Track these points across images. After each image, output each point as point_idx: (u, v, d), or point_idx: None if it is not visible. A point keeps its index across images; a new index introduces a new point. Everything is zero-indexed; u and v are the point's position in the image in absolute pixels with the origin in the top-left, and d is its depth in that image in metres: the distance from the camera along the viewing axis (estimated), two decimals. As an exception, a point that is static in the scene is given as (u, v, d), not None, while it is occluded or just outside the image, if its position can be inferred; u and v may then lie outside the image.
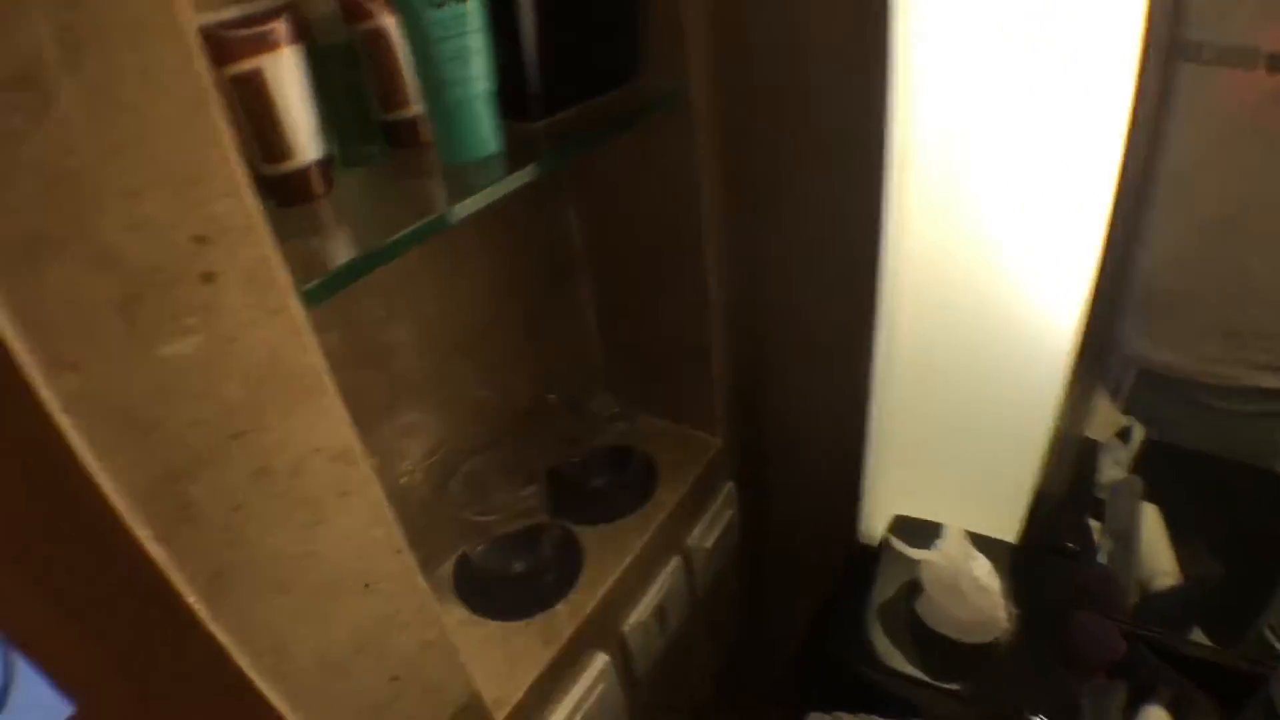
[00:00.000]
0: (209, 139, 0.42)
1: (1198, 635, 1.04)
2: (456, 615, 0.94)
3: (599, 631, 0.96)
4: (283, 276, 0.47)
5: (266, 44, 0.59)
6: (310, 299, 0.50)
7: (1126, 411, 1.24)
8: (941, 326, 0.99)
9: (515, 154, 0.70)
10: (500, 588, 0.95)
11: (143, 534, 0.46)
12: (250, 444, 0.49)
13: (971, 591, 0.94)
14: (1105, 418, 1.24)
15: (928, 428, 1.09)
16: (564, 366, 1.11)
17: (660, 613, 1.06)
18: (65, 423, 0.41)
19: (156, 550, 0.47)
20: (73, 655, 0.47)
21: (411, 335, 0.86)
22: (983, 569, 0.96)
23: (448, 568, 0.99)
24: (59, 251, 0.39)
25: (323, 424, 0.53)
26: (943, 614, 0.97)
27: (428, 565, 0.99)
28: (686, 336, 1.02)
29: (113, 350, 0.42)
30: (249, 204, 0.45)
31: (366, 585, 0.60)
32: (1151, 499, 1.18)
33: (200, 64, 0.41)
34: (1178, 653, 0.94)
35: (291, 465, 0.52)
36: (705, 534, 1.13)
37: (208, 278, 0.44)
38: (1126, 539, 1.15)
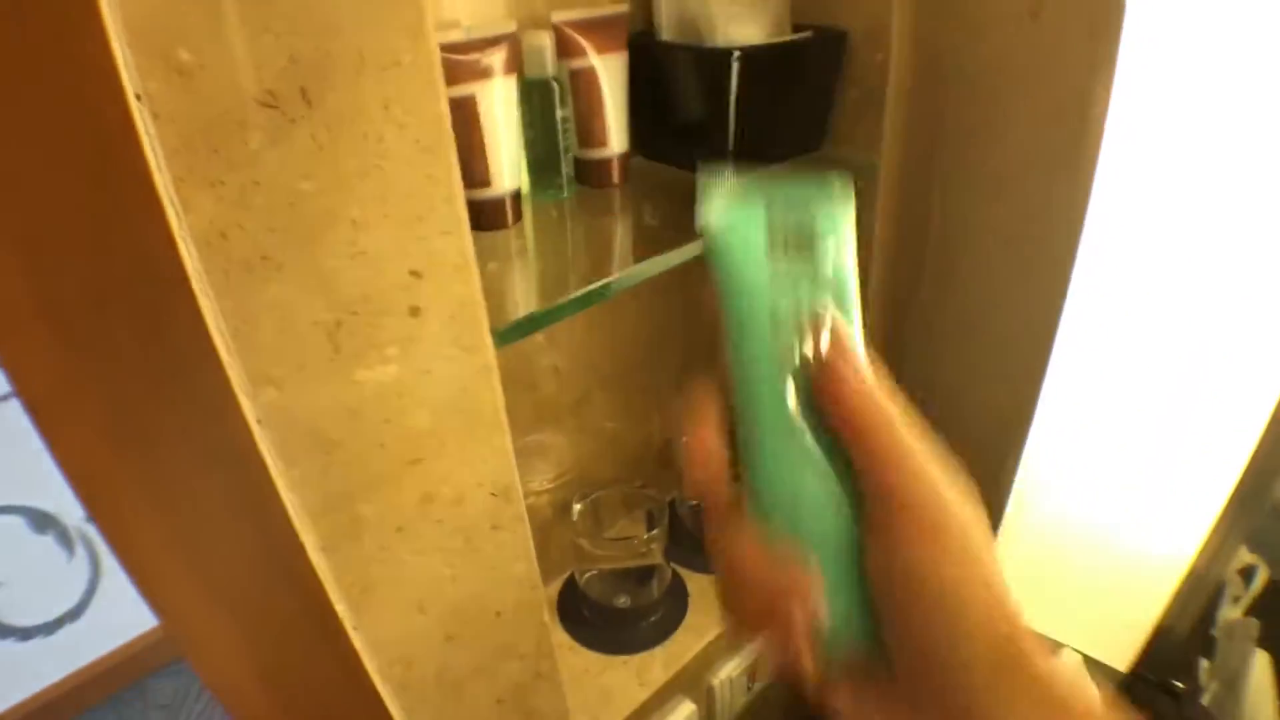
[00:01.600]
0: (439, 176, 0.43)
1: None
2: (555, 639, 0.95)
3: (691, 679, 0.95)
4: (482, 316, 0.48)
5: (482, 71, 0.61)
6: (502, 339, 0.51)
7: (1255, 550, 1.18)
8: (1098, 446, 0.95)
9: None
10: (602, 619, 0.95)
11: (310, 542, 0.47)
12: (425, 471, 0.50)
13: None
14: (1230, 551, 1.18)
15: (1064, 537, 1.05)
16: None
17: (750, 671, 1.05)
18: (259, 434, 0.42)
19: (319, 559, 0.48)
20: (224, 647, 0.49)
21: (564, 362, 0.87)
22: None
23: (553, 588, 1.00)
24: (279, 272, 0.40)
25: (492, 460, 0.53)
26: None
27: (536, 584, 1.00)
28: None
29: (313, 371, 0.43)
30: (466, 244, 0.46)
31: (498, 614, 0.61)
32: (1265, 645, 1.12)
33: (442, 104, 0.42)
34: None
35: (455, 495, 0.53)
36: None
37: (415, 311, 0.45)
38: (1233, 683, 1.10)
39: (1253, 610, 1.17)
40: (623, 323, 0.93)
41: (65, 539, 1.83)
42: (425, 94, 0.42)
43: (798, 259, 0.35)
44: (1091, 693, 0.34)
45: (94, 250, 0.39)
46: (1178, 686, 1.06)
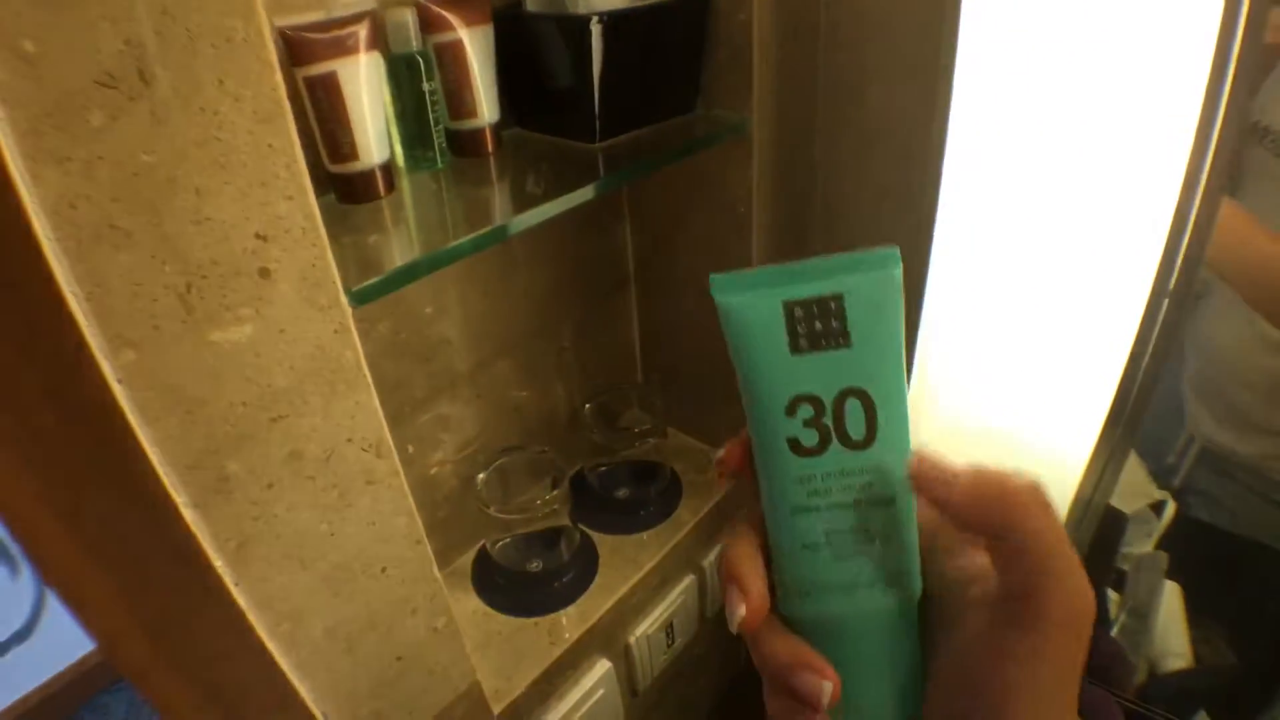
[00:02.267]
0: (279, 145, 0.46)
1: None
2: (470, 605, 0.97)
3: (605, 639, 0.99)
4: (334, 277, 0.51)
5: (343, 49, 0.63)
6: (358, 299, 0.54)
7: (1165, 486, 1.23)
8: (969, 366, 0.99)
9: (576, 174, 0.73)
10: (514, 584, 0.98)
11: (180, 499, 0.49)
12: (288, 428, 0.53)
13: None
14: (1139, 489, 1.23)
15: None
16: (604, 378, 1.13)
17: (668, 628, 1.08)
18: (120, 392, 0.45)
19: (191, 515, 0.50)
20: (103, 603, 0.51)
21: (457, 333, 0.90)
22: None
23: (467, 559, 1.03)
24: (128, 240, 0.42)
25: (358, 416, 0.56)
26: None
27: (448, 555, 1.03)
28: (725, 363, 1.04)
29: (169, 333, 0.45)
30: (310, 208, 0.48)
31: (383, 569, 0.64)
32: (1174, 577, 1.17)
33: (276, 76, 0.45)
34: (1178, 737, 0.94)
35: (324, 451, 0.55)
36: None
37: (264, 273, 0.47)
38: (1143, 615, 1.14)
39: (1161, 544, 1.22)
40: (513, 289, 0.95)
41: (7, 557, 1.82)
42: (259, 69, 0.44)
43: (826, 346, 0.35)
44: None
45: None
46: None
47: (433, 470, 0.95)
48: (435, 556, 0.98)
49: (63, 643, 1.90)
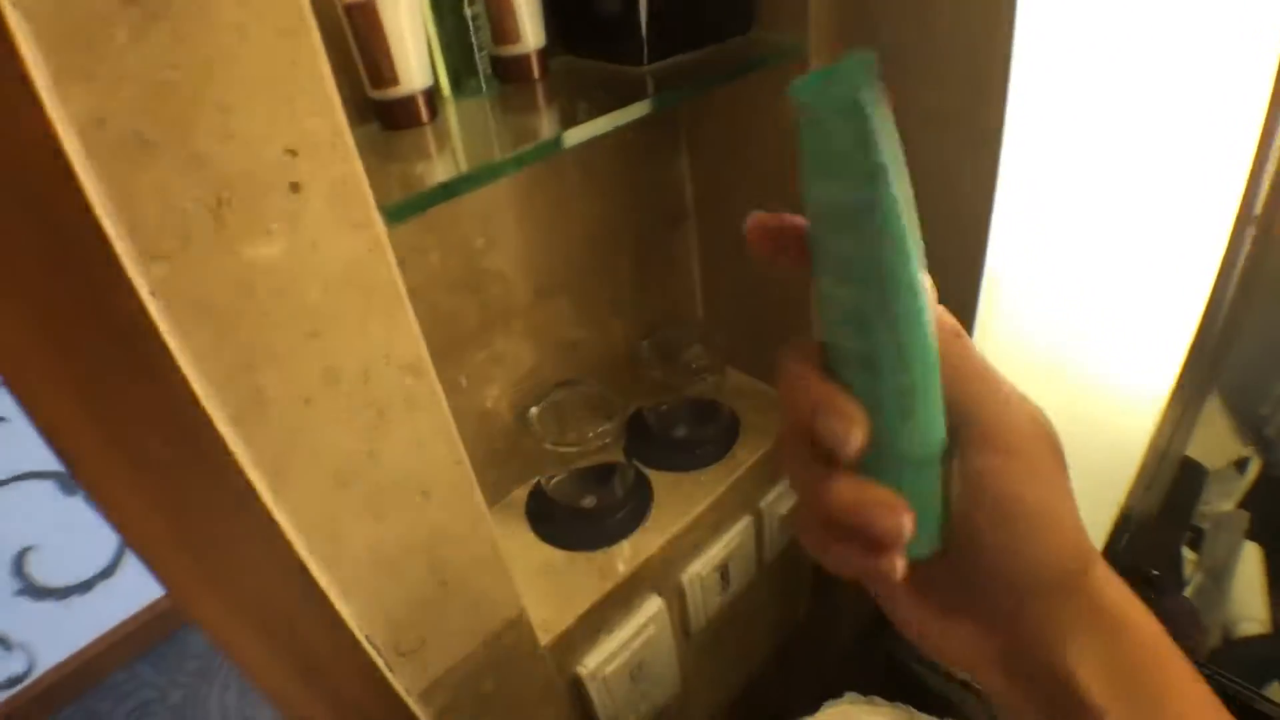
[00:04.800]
0: (303, 62, 0.45)
1: (1276, 691, 0.99)
2: (524, 539, 0.98)
3: (659, 576, 0.99)
4: (366, 193, 0.50)
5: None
6: (392, 216, 0.54)
7: (1251, 441, 1.17)
8: (1039, 295, 0.95)
9: (624, 96, 0.71)
10: (567, 518, 0.98)
11: (217, 414, 0.50)
12: (323, 344, 0.53)
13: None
14: (1222, 443, 1.17)
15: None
16: (662, 316, 1.12)
17: (723, 570, 1.08)
18: (152, 305, 0.45)
19: (228, 430, 0.51)
20: (144, 521, 0.52)
21: (510, 266, 0.89)
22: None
23: (523, 493, 1.04)
24: (156, 154, 0.43)
25: (395, 336, 0.56)
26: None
27: (503, 488, 1.03)
28: (787, 301, 1.02)
29: (200, 246, 0.46)
30: (338, 123, 0.48)
31: (424, 493, 0.64)
32: (1256, 539, 1.12)
33: (303, -10, 0.44)
34: (1251, 706, 0.90)
35: (361, 369, 0.55)
36: (781, 500, 1.13)
37: (295, 187, 0.47)
38: (1219, 576, 1.09)
39: (1244, 504, 1.17)
40: (568, 221, 0.94)
41: (94, 499, 1.90)
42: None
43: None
44: (1155, 628, 0.35)
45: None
46: (1153, 574, 1.06)
47: (488, 404, 0.95)
48: (490, 489, 1.00)
49: (146, 580, 2.01)
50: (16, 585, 1.92)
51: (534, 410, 0.94)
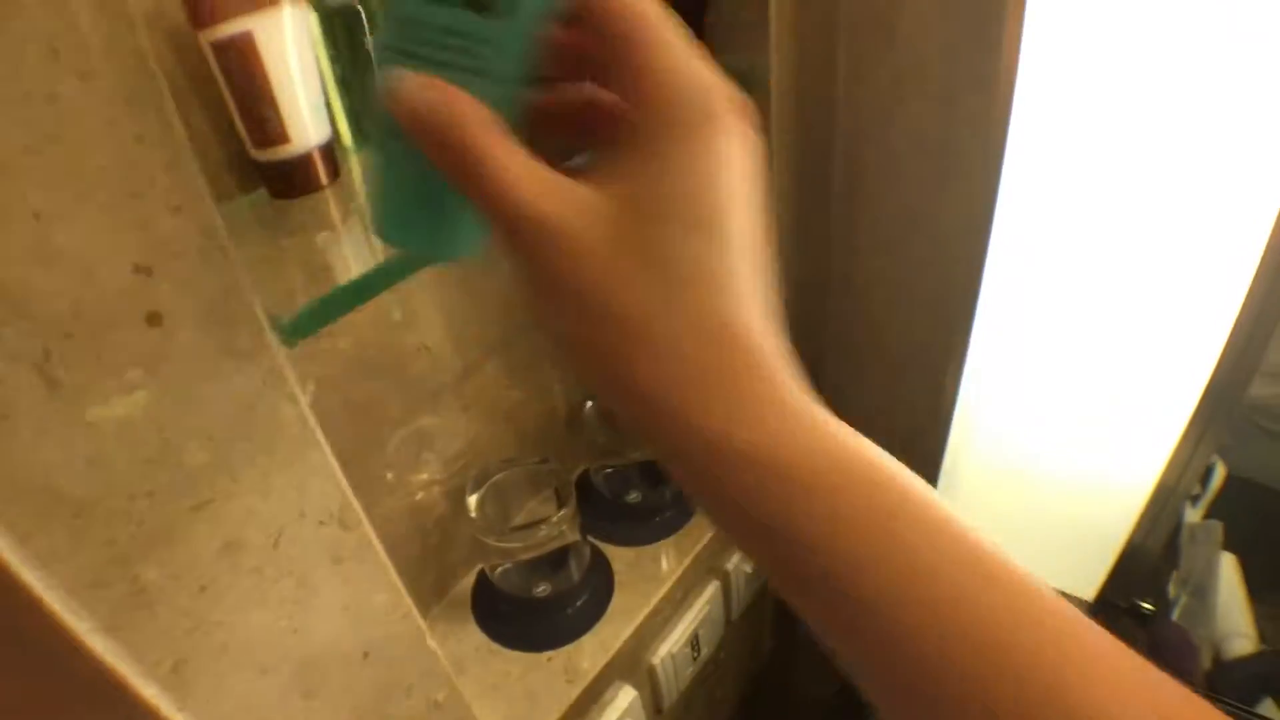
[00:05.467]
0: (152, 135, 0.32)
1: (1269, 708, 0.95)
2: (472, 641, 0.85)
3: (627, 664, 0.87)
4: (254, 310, 0.37)
5: (258, 1, 0.49)
6: (293, 333, 0.40)
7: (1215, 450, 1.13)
8: (1045, 349, 0.87)
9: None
10: (521, 613, 0.85)
11: (82, 627, 0.36)
12: (217, 514, 0.39)
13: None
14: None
15: (1015, 463, 0.98)
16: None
17: (694, 640, 0.97)
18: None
19: (102, 643, 0.37)
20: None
21: (435, 337, 0.76)
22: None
23: (466, 584, 0.91)
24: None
25: (310, 485, 0.43)
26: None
27: (444, 583, 0.90)
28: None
29: (30, 419, 0.32)
30: (208, 219, 0.34)
31: (366, 654, 0.51)
32: (1231, 548, 1.08)
33: (138, 37, 0.31)
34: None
35: (271, 535, 0.42)
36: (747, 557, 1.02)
37: (153, 319, 0.34)
38: (1202, 592, 1.05)
39: (1214, 512, 1.13)
40: (497, 281, 0.81)
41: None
42: (111, 28, 0.30)
43: None
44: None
45: None
46: (1145, 608, 1.00)
47: (418, 495, 0.82)
48: (429, 588, 0.87)
49: None
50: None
51: (473, 498, 0.81)
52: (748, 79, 0.71)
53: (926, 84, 0.73)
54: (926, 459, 0.98)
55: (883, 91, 0.76)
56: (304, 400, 0.41)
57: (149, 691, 0.40)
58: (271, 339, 0.38)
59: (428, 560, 0.85)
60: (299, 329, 0.41)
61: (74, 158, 0.30)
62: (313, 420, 0.42)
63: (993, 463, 0.99)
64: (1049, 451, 0.93)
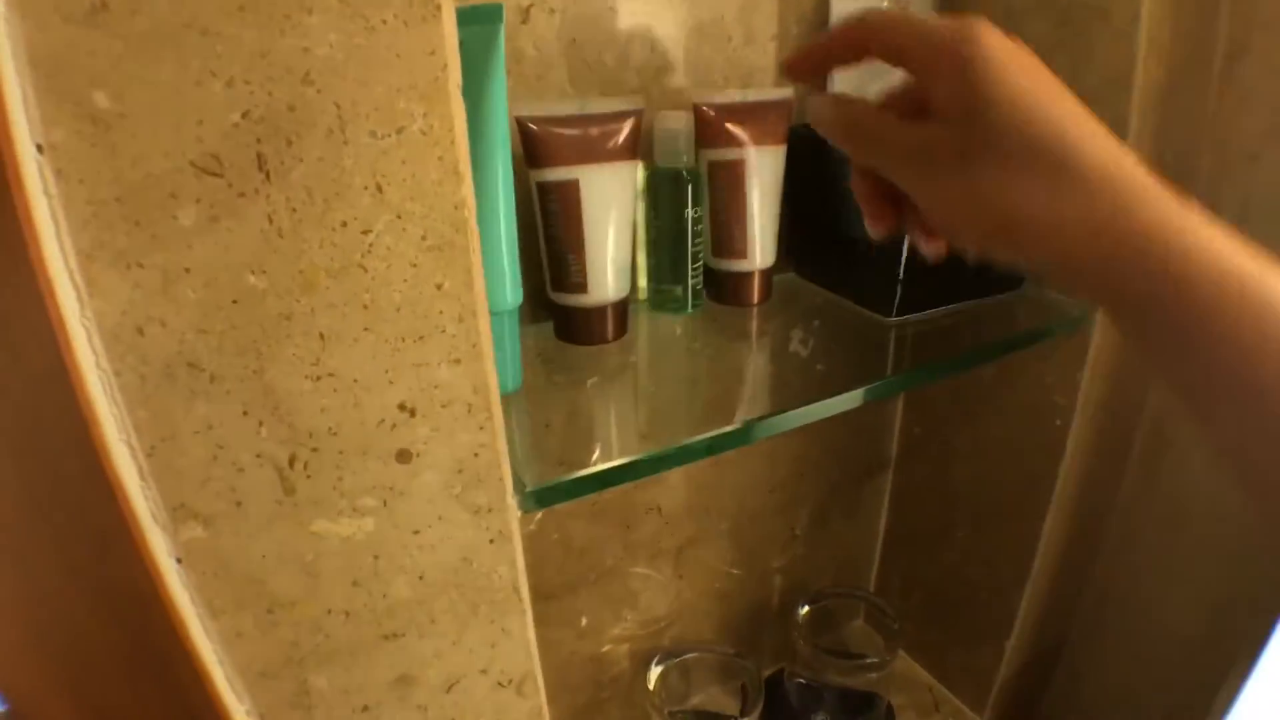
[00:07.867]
0: (451, 287, 0.33)
1: None
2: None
3: None
4: (503, 473, 0.36)
5: (594, 152, 0.51)
6: (535, 502, 0.39)
7: None
8: None
9: (857, 356, 0.56)
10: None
11: (239, 708, 0.37)
12: (404, 648, 0.39)
13: None
14: None
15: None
16: (829, 578, 0.94)
17: None
18: (174, 573, 0.32)
19: (255, 735, 0.37)
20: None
21: (669, 502, 0.74)
22: None
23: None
24: (212, 386, 0.30)
25: (503, 646, 0.41)
26: None
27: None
28: (990, 600, 0.83)
29: (257, 512, 0.32)
30: (485, 378, 0.34)
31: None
32: None
33: (464, 189, 0.32)
34: None
35: (447, 681, 0.41)
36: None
37: (403, 456, 0.34)
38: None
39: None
40: (751, 456, 0.79)
41: None
42: (440, 176, 0.31)
43: None
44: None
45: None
46: None
47: (605, 648, 0.79)
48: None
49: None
50: None
51: (656, 670, 0.77)
52: (1072, 324, 0.65)
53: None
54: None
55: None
56: (521, 565, 0.39)
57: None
58: (511, 502, 0.37)
59: (592, 714, 0.82)
60: (542, 501, 0.40)
61: (370, 289, 0.31)
62: (525, 589, 0.40)
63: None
64: None
